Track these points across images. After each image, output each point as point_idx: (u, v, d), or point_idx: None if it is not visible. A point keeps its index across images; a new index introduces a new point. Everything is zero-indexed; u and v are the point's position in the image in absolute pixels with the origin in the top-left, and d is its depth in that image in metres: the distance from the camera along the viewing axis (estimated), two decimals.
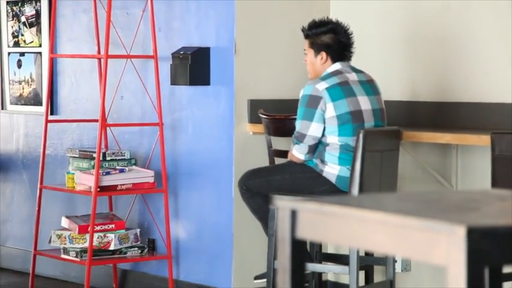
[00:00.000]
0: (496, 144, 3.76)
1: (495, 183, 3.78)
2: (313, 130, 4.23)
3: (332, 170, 4.24)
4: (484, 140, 3.97)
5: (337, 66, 4.31)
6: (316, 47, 4.33)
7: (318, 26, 4.35)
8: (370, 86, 4.32)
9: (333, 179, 4.24)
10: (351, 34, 4.35)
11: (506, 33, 4.43)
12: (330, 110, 4.20)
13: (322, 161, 4.26)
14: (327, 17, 4.45)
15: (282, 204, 1.83)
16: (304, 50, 4.41)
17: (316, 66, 4.35)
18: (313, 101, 4.22)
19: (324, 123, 4.23)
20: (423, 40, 4.74)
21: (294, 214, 1.82)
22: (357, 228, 1.67)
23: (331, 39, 4.32)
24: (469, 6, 4.55)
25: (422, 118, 4.71)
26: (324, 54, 4.32)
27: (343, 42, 4.32)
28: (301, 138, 4.25)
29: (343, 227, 1.71)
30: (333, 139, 4.23)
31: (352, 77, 4.29)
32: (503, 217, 1.65)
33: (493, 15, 4.47)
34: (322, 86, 4.23)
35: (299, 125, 4.26)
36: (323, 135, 4.24)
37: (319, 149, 4.28)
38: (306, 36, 4.37)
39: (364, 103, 4.26)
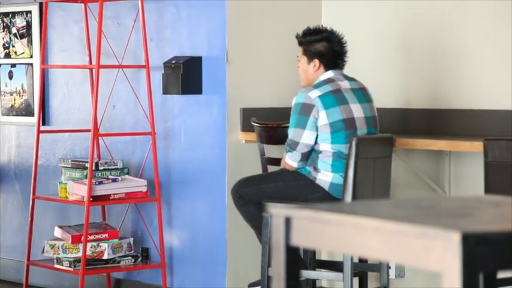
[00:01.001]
0: (489, 151, 3.78)
1: (488, 189, 3.79)
2: (306, 138, 4.23)
3: (325, 177, 4.25)
4: (477, 146, 3.98)
5: (330, 74, 4.32)
6: (309, 55, 4.35)
7: (312, 34, 4.36)
8: (362, 94, 4.34)
9: (326, 186, 4.24)
10: (345, 43, 4.36)
11: (497, 41, 4.44)
12: (322, 117, 4.21)
13: (315, 169, 4.27)
14: (322, 25, 4.46)
15: (276, 211, 1.83)
16: (298, 57, 4.42)
17: (308, 74, 4.36)
18: (306, 109, 4.23)
19: (317, 130, 4.23)
20: (416, 48, 4.75)
21: (288, 221, 1.82)
22: (351, 235, 1.68)
23: (324, 47, 4.33)
24: (461, 15, 4.57)
25: (415, 125, 4.72)
26: (316, 61, 4.33)
27: (337, 50, 4.33)
28: (294, 146, 4.26)
29: (338, 234, 1.71)
30: (326, 147, 4.24)
31: (345, 84, 4.30)
32: (498, 223, 1.66)
33: (485, 23, 4.49)
34: (314, 94, 4.24)
35: (292, 132, 4.27)
36: (316, 142, 4.25)
37: (312, 156, 4.28)
38: (300, 44, 4.39)
39: (357, 111, 4.27)
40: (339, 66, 4.35)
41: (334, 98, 4.24)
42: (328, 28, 4.40)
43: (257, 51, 4.92)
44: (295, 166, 4.28)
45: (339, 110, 4.22)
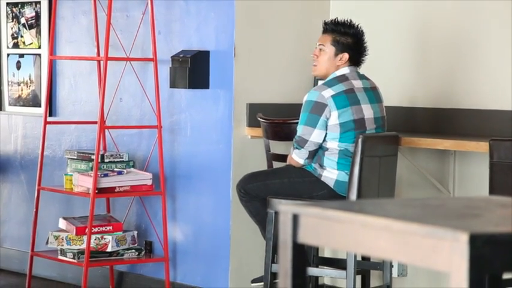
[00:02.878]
0: (495, 151, 3.78)
1: (493, 190, 3.79)
2: (316, 136, 4.22)
3: (330, 174, 4.25)
4: (483, 146, 3.98)
5: (345, 70, 4.28)
6: (340, 46, 4.26)
7: (345, 26, 4.27)
8: (373, 94, 4.32)
9: (331, 184, 4.24)
10: (366, 43, 4.33)
11: (505, 40, 4.44)
12: (333, 117, 4.19)
13: (321, 166, 4.27)
14: (350, 20, 4.36)
15: (284, 208, 1.84)
16: (320, 44, 4.32)
17: (330, 65, 4.27)
18: (318, 108, 4.20)
19: (326, 129, 4.22)
20: (422, 47, 4.75)
21: (295, 218, 1.82)
22: (359, 233, 1.68)
23: (354, 42, 4.28)
24: (468, 14, 4.57)
25: (420, 124, 4.72)
26: (346, 55, 4.26)
27: (364, 49, 4.30)
28: (302, 144, 4.25)
29: (346, 232, 1.72)
30: (333, 144, 4.23)
31: (358, 84, 4.27)
32: (505, 224, 1.66)
33: (493, 22, 4.49)
34: (328, 93, 4.20)
35: (301, 129, 4.25)
36: (324, 140, 4.24)
37: (318, 153, 4.28)
38: (331, 31, 4.28)
39: (367, 111, 4.26)
40: (359, 64, 4.32)
41: (347, 98, 4.21)
42: (358, 25, 4.34)
43: (265, 47, 4.93)
44: (302, 163, 4.28)
45: (351, 110, 4.20)
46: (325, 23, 4.33)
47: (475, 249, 1.50)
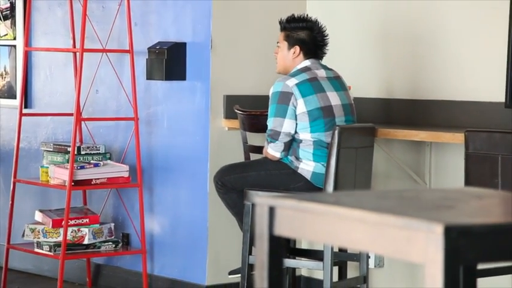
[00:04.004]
0: (470, 142, 3.80)
1: (468, 180, 3.81)
2: (287, 127, 4.24)
3: (307, 166, 4.26)
4: (458, 137, 4.01)
5: (307, 63, 4.34)
6: (291, 41, 4.36)
7: (296, 21, 4.37)
8: (338, 82, 4.36)
9: (308, 176, 4.25)
10: (327, 35, 4.37)
11: (478, 32, 4.46)
12: (300, 106, 4.23)
13: (297, 158, 4.28)
14: (307, 15, 4.47)
15: (260, 200, 1.84)
16: (277, 42, 4.43)
17: (286, 60, 4.38)
18: (284, 97, 4.23)
19: (296, 119, 4.24)
20: (398, 38, 4.77)
21: (272, 211, 1.83)
22: (335, 225, 1.69)
23: (307, 35, 4.35)
24: (444, 6, 4.59)
25: (396, 115, 4.74)
26: (297, 48, 4.34)
27: (318, 41, 4.35)
28: (275, 136, 4.26)
29: (322, 224, 1.72)
30: (306, 136, 4.25)
31: (321, 73, 4.32)
32: (480, 215, 1.67)
33: (466, 13, 4.51)
34: (292, 82, 4.25)
35: (272, 122, 4.27)
36: (295, 132, 4.26)
37: (293, 146, 4.29)
38: (283, 29, 4.40)
39: (334, 98, 4.29)
40: (318, 57, 4.37)
41: (311, 86, 4.25)
42: (312, 18, 4.41)
43: (242, 38, 4.92)
44: (278, 156, 4.29)
45: (316, 98, 4.24)
46: (279, 22, 4.39)
47: (450, 240, 1.50)
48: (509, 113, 4.27)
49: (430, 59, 4.65)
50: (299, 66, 4.34)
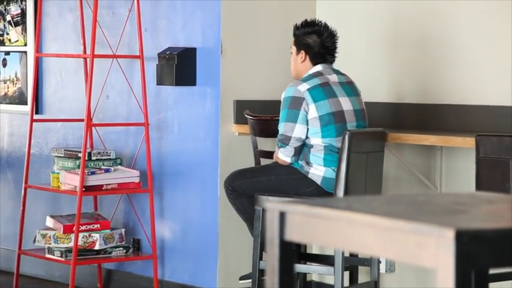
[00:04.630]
0: (481, 146, 3.79)
1: (479, 185, 3.80)
2: (298, 131, 4.25)
3: (317, 171, 4.26)
4: (469, 142, 4.00)
5: (319, 68, 4.35)
6: (298, 46, 4.39)
7: (305, 26, 4.39)
8: (350, 88, 4.36)
9: (318, 181, 4.25)
10: (336, 39, 4.37)
11: (490, 36, 4.45)
12: (312, 111, 4.23)
13: (308, 163, 4.28)
14: (317, 19, 4.47)
15: (271, 206, 1.84)
16: (291, 47, 4.45)
17: (296, 65, 4.41)
18: (296, 102, 4.24)
19: (307, 124, 4.25)
20: (409, 42, 4.76)
21: (282, 216, 1.82)
22: (346, 230, 1.68)
23: (313, 40, 4.36)
24: (454, 9, 4.58)
25: (407, 120, 4.73)
26: (303, 53, 4.37)
27: (326, 45, 4.35)
28: (286, 141, 4.26)
29: (333, 230, 1.72)
30: (317, 140, 4.24)
31: (333, 78, 4.32)
32: (492, 220, 1.67)
33: (479, 18, 4.50)
34: (303, 87, 4.25)
35: (283, 127, 4.28)
36: (306, 137, 4.26)
37: (303, 151, 4.29)
38: (294, 34, 4.43)
39: (346, 104, 4.29)
40: (327, 61, 4.36)
41: (323, 91, 4.25)
42: (322, 22, 4.41)
43: (251, 43, 4.93)
44: (288, 161, 4.29)
45: (328, 103, 4.24)
46: (293, 28, 4.40)
47: (461, 245, 1.50)
48: None
49: (440, 63, 4.64)
50: (311, 71, 4.34)
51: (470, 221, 1.64)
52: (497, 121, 4.37)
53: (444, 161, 4.56)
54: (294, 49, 4.41)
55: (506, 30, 4.36)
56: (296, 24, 4.43)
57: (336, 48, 4.38)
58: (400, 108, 4.76)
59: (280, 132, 4.29)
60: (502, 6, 4.40)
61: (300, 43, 4.38)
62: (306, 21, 4.42)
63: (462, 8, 4.55)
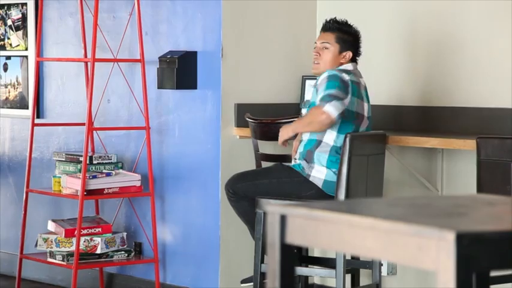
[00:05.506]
0: (482, 149, 3.79)
1: (480, 187, 3.80)
2: (348, 102, 4.14)
3: (319, 174, 4.25)
4: (470, 144, 4.00)
5: (349, 67, 4.31)
6: (345, 45, 4.29)
7: (345, 24, 4.33)
8: (367, 94, 4.36)
9: (319, 184, 4.25)
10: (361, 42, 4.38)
11: (489, 38, 4.46)
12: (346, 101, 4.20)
13: (309, 163, 4.25)
14: (346, 19, 4.39)
15: (272, 209, 1.84)
16: (324, 42, 4.31)
17: (334, 62, 4.27)
18: (345, 83, 4.20)
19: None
20: (409, 45, 4.76)
21: (283, 219, 1.83)
22: (346, 233, 1.69)
23: (355, 40, 4.33)
24: (454, 13, 4.58)
25: (408, 122, 4.73)
26: (350, 53, 4.30)
27: (359, 46, 4.34)
28: (339, 97, 4.11)
29: (333, 233, 1.72)
30: (329, 137, 4.20)
31: (362, 81, 4.32)
32: (492, 223, 1.67)
33: (478, 22, 4.50)
34: (346, 77, 4.22)
35: (333, 91, 4.09)
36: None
37: (309, 148, 4.26)
38: (335, 29, 4.31)
39: (365, 109, 4.31)
40: (356, 62, 4.36)
41: (356, 89, 4.25)
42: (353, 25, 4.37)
43: (252, 46, 4.93)
44: (334, 117, 4.12)
45: (357, 102, 4.23)
46: (327, 21, 4.35)
47: (461, 247, 1.50)
48: None
49: (441, 66, 4.65)
50: (344, 68, 4.27)
51: (471, 224, 1.64)
52: (498, 123, 4.37)
53: (445, 163, 4.56)
54: (335, 46, 4.27)
55: (506, 33, 4.36)
56: (335, 19, 4.32)
57: (361, 52, 4.37)
58: (401, 110, 4.76)
59: (329, 93, 4.08)
60: (501, 8, 4.40)
61: (348, 41, 4.27)
62: (339, 19, 4.32)
63: (460, 11, 4.55)
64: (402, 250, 1.59)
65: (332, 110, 4.10)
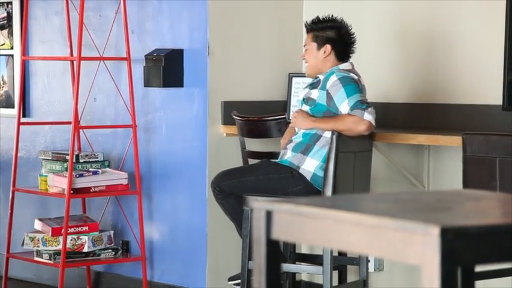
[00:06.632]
0: (468, 145, 3.80)
1: (466, 183, 3.81)
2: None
3: (308, 167, 4.24)
4: (456, 140, 4.01)
5: (348, 66, 4.31)
6: (320, 40, 4.31)
7: (322, 21, 4.33)
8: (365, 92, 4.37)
9: (308, 176, 4.24)
10: (353, 34, 4.35)
11: (475, 35, 4.47)
12: None
13: (304, 154, 4.24)
14: (332, 15, 4.40)
15: (257, 205, 1.84)
16: (305, 45, 4.37)
17: (318, 60, 4.30)
18: (357, 83, 4.21)
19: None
20: (396, 43, 4.77)
21: (269, 215, 1.83)
22: (332, 229, 1.69)
23: (335, 34, 4.31)
24: (443, 10, 4.59)
25: (395, 119, 4.74)
26: (328, 47, 4.29)
27: (346, 39, 4.33)
28: (367, 102, 4.16)
29: (319, 228, 1.72)
30: (329, 132, 4.19)
31: (362, 81, 4.31)
32: (476, 217, 1.68)
33: (466, 18, 4.52)
34: (355, 77, 4.24)
35: (358, 96, 4.14)
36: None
37: (307, 141, 4.25)
38: (310, 30, 4.34)
39: None
40: (347, 56, 4.34)
41: (364, 89, 4.28)
42: (338, 18, 4.37)
43: (239, 44, 4.93)
44: (374, 125, 4.15)
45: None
46: (306, 24, 4.37)
47: (446, 242, 1.51)
48: (506, 116, 4.27)
49: (428, 63, 4.66)
50: (341, 67, 4.28)
51: (455, 218, 1.65)
52: (483, 120, 4.38)
53: (432, 159, 4.57)
54: (313, 45, 4.30)
55: (493, 30, 4.37)
56: (311, 20, 4.34)
57: (354, 42, 4.34)
58: (388, 107, 4.77)
59: (356, 100, 4.11)
60: (489, 6, 4.42)
61: (322, 37, 4.30)
62: (319, 18, 4.34)
63: (448, 9, 4.57)
64: (387, 245, 1.59)
65: (372, 118, 4.14)
